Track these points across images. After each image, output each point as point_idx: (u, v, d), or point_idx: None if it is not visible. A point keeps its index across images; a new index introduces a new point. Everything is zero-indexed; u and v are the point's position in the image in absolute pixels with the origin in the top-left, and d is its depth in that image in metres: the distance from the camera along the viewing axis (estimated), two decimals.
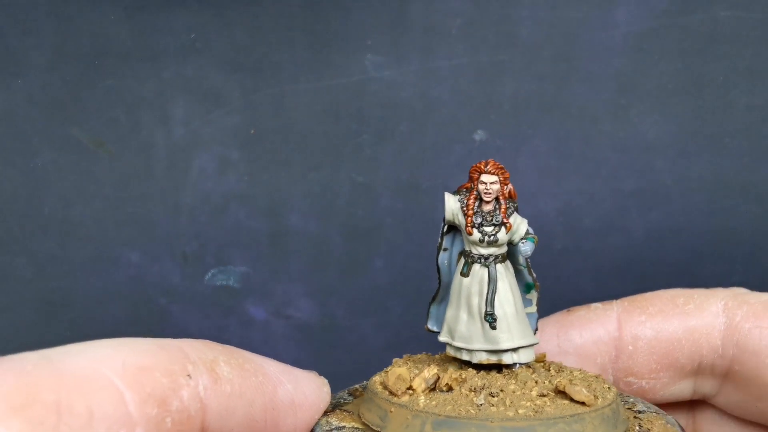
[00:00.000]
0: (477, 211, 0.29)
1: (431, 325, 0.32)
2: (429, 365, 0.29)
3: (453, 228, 0.30)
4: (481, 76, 0.47)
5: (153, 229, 0.49)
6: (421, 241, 0.49)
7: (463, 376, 0.28)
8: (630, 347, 0.33)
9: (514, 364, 0.29)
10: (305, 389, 0.27)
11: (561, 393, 0.27)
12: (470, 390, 0.27)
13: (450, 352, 0.30)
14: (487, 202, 0.29)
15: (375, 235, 0.49)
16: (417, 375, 0.27)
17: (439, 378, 0.27)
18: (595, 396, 0.27)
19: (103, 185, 0.48)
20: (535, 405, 0.26)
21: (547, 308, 0.35)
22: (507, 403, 0.26)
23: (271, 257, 0.49)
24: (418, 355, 0.32)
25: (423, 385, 0.27)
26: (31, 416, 0.19)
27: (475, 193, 0.29)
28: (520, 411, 0.25)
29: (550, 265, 0.48)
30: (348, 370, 0.34)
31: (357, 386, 0.32)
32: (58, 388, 0.20)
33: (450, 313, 0.30)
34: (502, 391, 0.27)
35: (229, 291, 0.50)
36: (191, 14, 0.46)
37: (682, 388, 0.34)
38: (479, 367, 0.29)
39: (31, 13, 0.46)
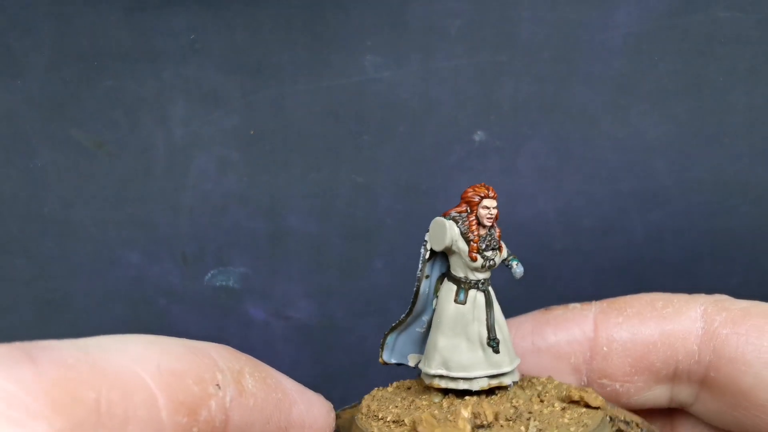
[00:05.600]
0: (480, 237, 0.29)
1: (388, 358, 0.31)
2: (417, 400, 0.28)
3: (434, 254, 0.30)
4: (480, 77, 0.47)
5: (153, 229, 0.49)
6: (420, 242, 0.49)
7: (495, 409, 0.27)
8: (605, 348, 0.32)
9: (510, 383, 0.29)
10: (315, 412, 0.26)
11: (574, 402, 0.28)
12: (507, 419, 0.26)
13: (439, 384, 0.29)
14: (486, 227, 0.29)
15: (375, 236, 0.49)
16: (453, 419, 0.26)
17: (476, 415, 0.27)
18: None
19: (103, 186, 0.48)
20: (571, 419, 0.27)
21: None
22: (553, 425, 0.26)
23: (271, 258, 0.49)
24: (387, 389, 0.31)
25: (469, 427, 0.26)
26: (74, 415, 0.19)
27: (473, 217, 0.29)
28: (572, 429, 0.26)
29: (550, 265, 0.48)
30: (348, 370, 0.33)
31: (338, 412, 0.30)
32: (99, 386, 0.20)
33: (443, 343, 0.29)
34: (530, 413, 0.27)
35: (228, 292, 0.50)
36: (191, 15, 0.46)
37: (658, 394, 0.33)
38: (465, 392, 0.29)
39: (31, 13, 0.46)
